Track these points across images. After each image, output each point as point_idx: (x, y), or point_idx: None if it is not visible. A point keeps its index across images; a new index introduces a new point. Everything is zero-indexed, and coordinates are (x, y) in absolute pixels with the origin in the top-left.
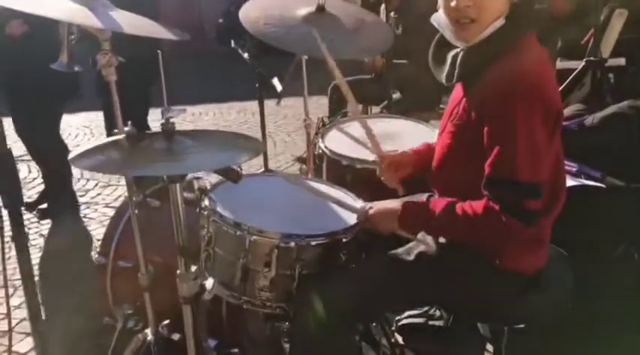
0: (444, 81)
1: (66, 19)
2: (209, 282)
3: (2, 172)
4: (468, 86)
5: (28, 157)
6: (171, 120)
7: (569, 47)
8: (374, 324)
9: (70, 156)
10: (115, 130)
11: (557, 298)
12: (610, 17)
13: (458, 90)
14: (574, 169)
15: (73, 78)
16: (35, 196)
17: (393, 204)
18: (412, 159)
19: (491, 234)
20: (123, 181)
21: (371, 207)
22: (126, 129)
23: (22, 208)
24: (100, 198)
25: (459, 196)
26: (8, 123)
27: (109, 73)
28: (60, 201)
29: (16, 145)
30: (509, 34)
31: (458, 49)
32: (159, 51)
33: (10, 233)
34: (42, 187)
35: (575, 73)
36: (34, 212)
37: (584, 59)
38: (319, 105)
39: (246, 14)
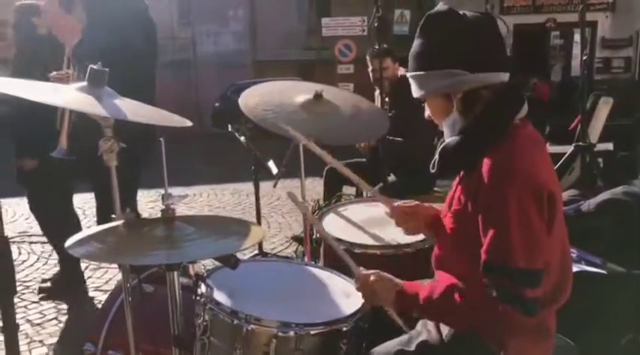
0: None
1: (75, 108)
2: None
3: None
4: (463, 174)
5: (20, 238)
6: (172, 206)
7: (558, 132)
8: None
9: (67, 243)
10: (113, 215)
11: None
12: (596, 104)
13: (458, 176)
14: (574, 255)
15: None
16: (23, 278)
17: (394, 280)
18: (426, 213)
19: (490, 322)
20: (114, 264)
21: (374, 274)
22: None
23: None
24: (90, 281)
25: (461, 282)
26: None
27: (111, 158)
28: (69, 282)
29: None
30: (462, 126)
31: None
32: (161, 139)
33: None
34: (30, 270)
35: (564, 157)
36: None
37: (573, 144)
38: (313, 187)
39: (246, 101)
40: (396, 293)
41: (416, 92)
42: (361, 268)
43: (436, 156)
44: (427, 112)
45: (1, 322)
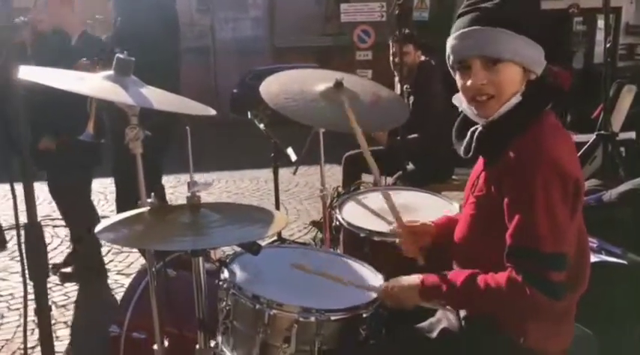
0: (462, 153)
1: (102, 97)
2: None
3: (30, 244)
4: (487, 160)
5: (44, 222)
6: (197, 193)
7: (579, 121)
8: None
9: (97, 228)
10: (139, 202)
11: None
12: (619, 92)
13: (479, 162)
14: (594, 245)
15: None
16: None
17: (412, 278)
18: (432, 231)
19: (515, 306)
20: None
21: (392, 281)
22: (149, 201)
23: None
24: (112, 265)
25: (482, 268)
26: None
27: (136, 146)
28: (88, 266)
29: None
30: (527, 111)
31: (478, 126)
32: (187, 127)
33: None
34: (54, 253)
35: (586, 146)
36: (57, 274)
37: (595, 133)
38: (331, 175)
39: (267, 89)
40: (419, 293)
41: (504, 51)
42: (380, 277)
43: (470, 140)
44: (480, 80)
45: (34, 304)
